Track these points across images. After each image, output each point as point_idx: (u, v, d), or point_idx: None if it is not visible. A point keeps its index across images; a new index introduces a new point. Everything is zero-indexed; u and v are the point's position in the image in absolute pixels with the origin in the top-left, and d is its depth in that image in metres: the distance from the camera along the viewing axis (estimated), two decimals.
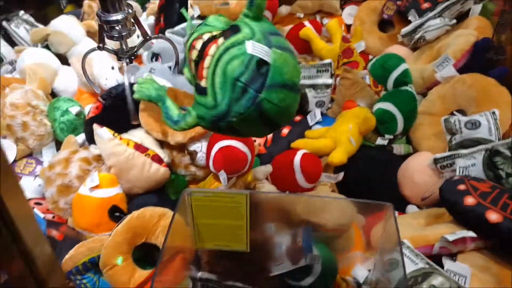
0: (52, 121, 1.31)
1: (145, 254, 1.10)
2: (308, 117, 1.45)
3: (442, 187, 1.02)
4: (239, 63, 0.67)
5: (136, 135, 1.22)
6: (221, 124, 0.72)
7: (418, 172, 1.22)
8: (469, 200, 0.96)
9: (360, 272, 0.97)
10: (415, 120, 1.38)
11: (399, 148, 1.36)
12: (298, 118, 1.44)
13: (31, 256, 0.43)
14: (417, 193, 1.21)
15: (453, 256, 0.98)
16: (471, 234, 0.94)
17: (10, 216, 0.40)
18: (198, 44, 0.75)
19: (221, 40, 0.71)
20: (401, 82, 1.38)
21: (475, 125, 1.18)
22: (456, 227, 0.99)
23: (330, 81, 1.42)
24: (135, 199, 1.16)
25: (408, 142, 1.40)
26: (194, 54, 0.76)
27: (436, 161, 1.17)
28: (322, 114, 1.46)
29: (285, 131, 1.37)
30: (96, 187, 1.08)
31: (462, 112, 1.32)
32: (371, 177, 1.26)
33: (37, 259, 0.43)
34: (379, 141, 1.35)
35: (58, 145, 1.34)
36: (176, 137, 1.16)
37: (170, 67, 1.53)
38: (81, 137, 1.28)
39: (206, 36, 0.76)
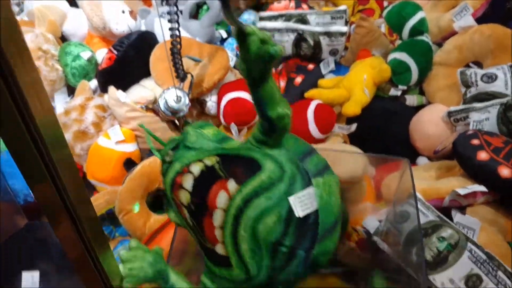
0: (63, 66, 1.29)
1: (157, 200, 1.13)
2: (321, 65, 1.43)
3: (456, 141, 1.03)
4: (275, 221, 0.48)
5: (148, 85, 1.22)
6: None
7: (431, 125, 1.21)
8: (482, 155, 0.96)
9: (371, 223, 0.99)
10: (430, 71, 1.36)
11: (412, 99, 1.35)
12: (311, 66, 1.42)
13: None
14: (429, 145, 1.22)
15: (462, 209, 0.99)
16: (482, 188, 0.95)
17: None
18: (187, 183, 0.54)
19: (232, 184, 0.50)
20: (417, 31, 1.35)
21: (491, 78, 1.16)
22: (467, 181, 1.00)
23: (344, 29, 1.39)
24: (149, 152, 1.17)
25: (421, 93, 1.38)
26: (185, 197, 0.54)
27: (450, 114, 1.16)
28: (335, 62, 1.43)
29: (298, 80, 1.36)
30: (121, 141, 1.09)
31: (478, 64, 1.30)
32: (383, 128, 1.26)
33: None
34: (392, 91, 1.33)
35: (70, 90, 1.34)
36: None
37: (181, 11, 1.49)
38: (93, 82, 1.27)
39: (195, 169, 0.54)
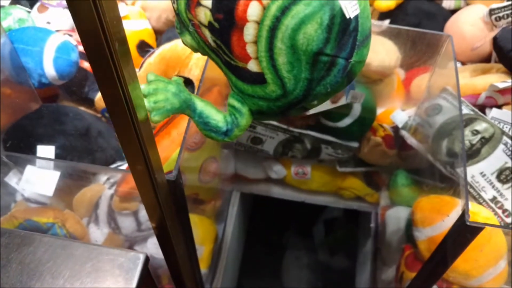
0: None
1: None
2: None
3: (498, 35, 0.96)
4: (317, 29, 0.44)
5: None
6: (292, 111, 0.53)
7: (468, 25, 1.13)
8: None
9: (400, 116, 0.94)
10: None
11: (449, 2, 1.26)
12: None
13: None
14: (464, 48, 1.14)
15: (497, 108, 0.94)
16: None
17: None
18: None
19: None
20: None
21: None
22: (507, 78, 0.94)
23: None
24: (164, 33, 1.11)
25: None
26: (204, 15, 0.48)
27: (491, 11, 1.07)
28: None
29: None
30: (124, 18, 1.03)
31: None
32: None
33: None
34: None
35: None
36: None
37: None
38: None
39: None
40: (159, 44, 1.09)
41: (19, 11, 1.05)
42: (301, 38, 0.44)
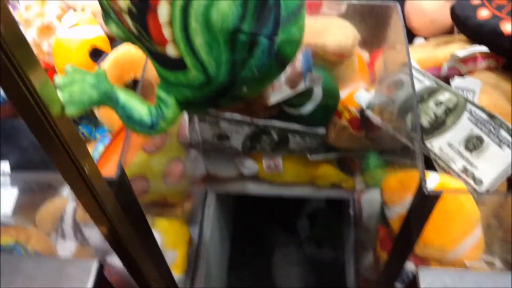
0: None
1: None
2: None
3: (454, 5, 0.94)
4: (230, 4, 0.42)
5: None
6: (222, 101, 0.50)
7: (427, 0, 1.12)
8: (483, 13, 0.88)
9: (363, 96, 0.92)
10: None
11: None
12: None
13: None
14: (425, 23, 1.12)
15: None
16: (483, 48, 0.87)
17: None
18: None
19: None
20: None
21: None
22: (467, 46, 0.92)
23: None
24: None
25: None
26: (123, 2, 0.45)
27: None
28: None
29: None
30: (75, 25, 1.00)
31: None
32: None
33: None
34: None
35: None
36: None
37: None
38: None
39: None
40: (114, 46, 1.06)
41: None
42: (215, 15, 0.42)
